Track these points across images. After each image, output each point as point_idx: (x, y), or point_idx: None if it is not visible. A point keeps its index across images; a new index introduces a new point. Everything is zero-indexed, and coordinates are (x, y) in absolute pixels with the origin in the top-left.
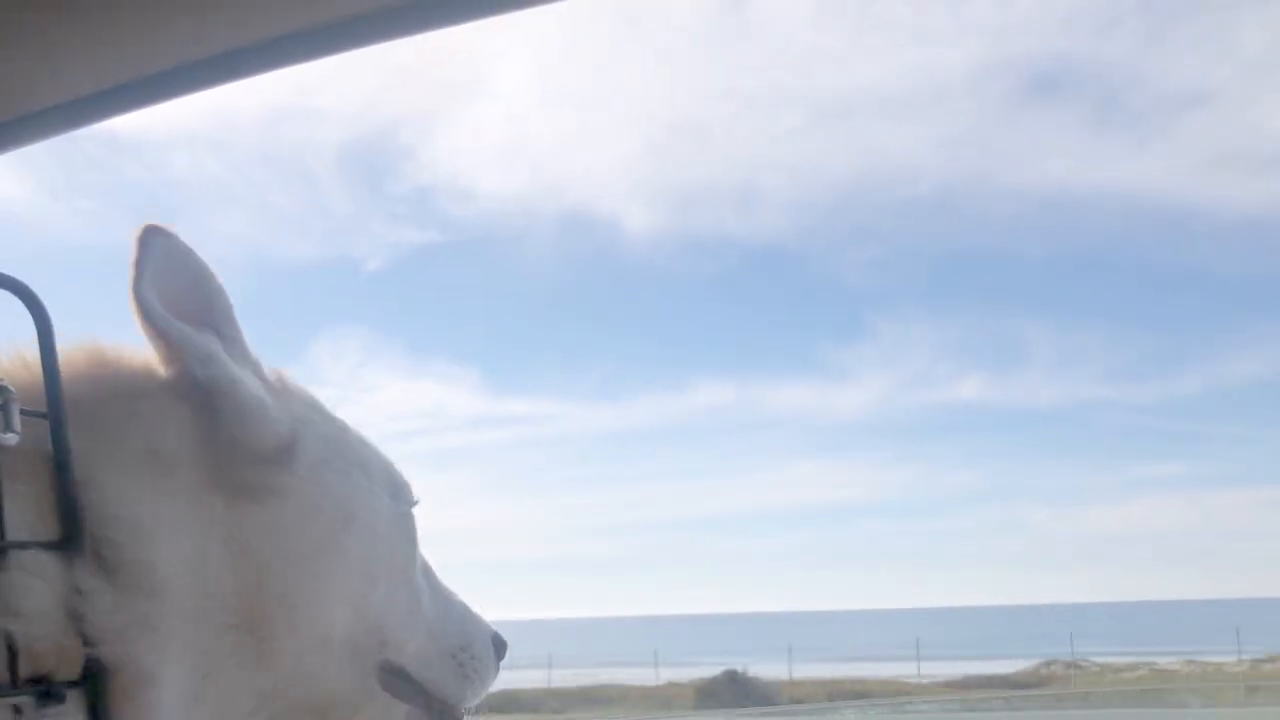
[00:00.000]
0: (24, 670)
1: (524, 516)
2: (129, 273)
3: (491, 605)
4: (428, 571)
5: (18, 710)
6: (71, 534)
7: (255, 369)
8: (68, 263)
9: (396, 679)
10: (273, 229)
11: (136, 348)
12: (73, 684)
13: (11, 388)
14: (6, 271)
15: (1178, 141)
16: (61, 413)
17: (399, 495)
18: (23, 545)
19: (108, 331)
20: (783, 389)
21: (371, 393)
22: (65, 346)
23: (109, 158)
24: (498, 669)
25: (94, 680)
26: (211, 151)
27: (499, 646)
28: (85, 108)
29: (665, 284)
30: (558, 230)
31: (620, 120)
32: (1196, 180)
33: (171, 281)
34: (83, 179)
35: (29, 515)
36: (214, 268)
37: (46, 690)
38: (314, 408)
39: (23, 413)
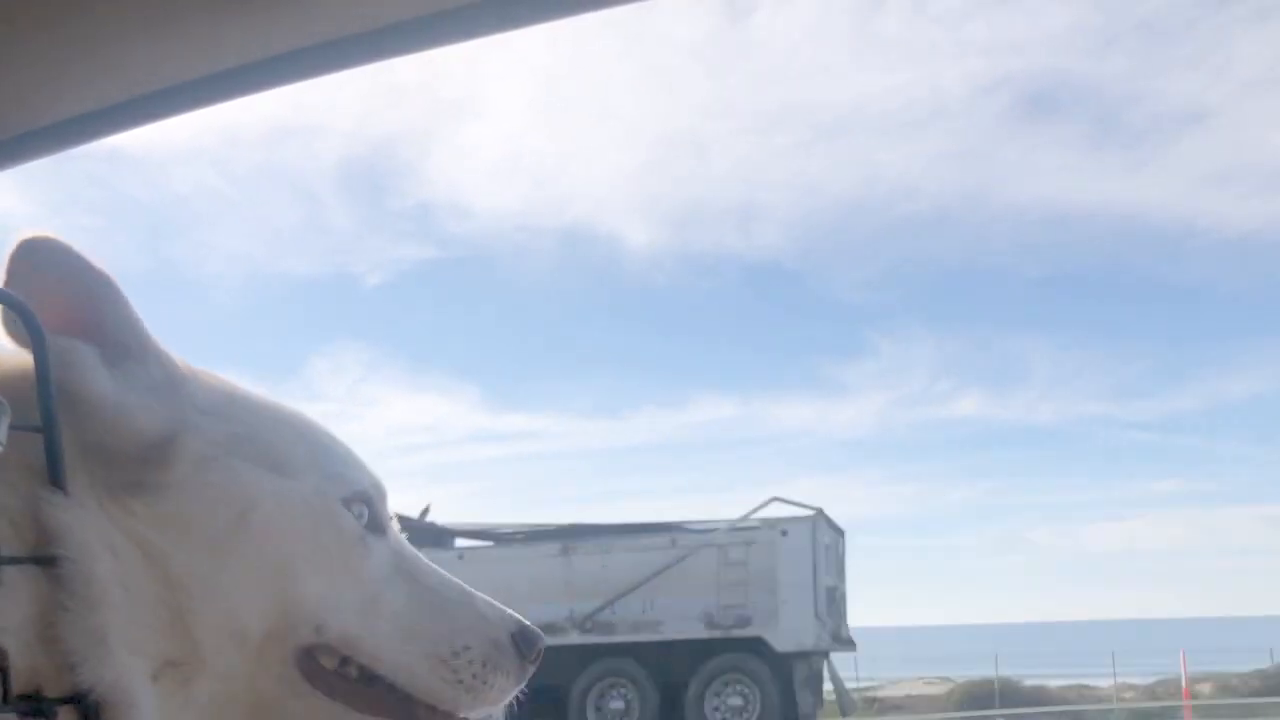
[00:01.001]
0: (16, 687)
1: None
2: None
3: None
4: (407, 568)
5: None
6: (58, 552)
7: (152, 363)
8: None
9: (361, 684)
10: (273, 245)
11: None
12: (64, 700)
13: (3, 400)
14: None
15: (1175, 159)
16: (56, 427)
17: (339, 487)
18: (18, 561)
19: None
20: (782, 405)
21: (371, 408)
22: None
23: (110, 174)
24: (522, 669)
25: (86, 696)
26: (213, 168)
27: (524, 643)
28: (87, 124)
29: (664, 300)
30: (557, 246)
31: (619, 137)
32: (1193, 198)
33: (52, 288)
34: (84, 195)
35: (5, 530)
36: (106, 272)
37: (38, 707)
38: (217, 406)
39: (17, 427)
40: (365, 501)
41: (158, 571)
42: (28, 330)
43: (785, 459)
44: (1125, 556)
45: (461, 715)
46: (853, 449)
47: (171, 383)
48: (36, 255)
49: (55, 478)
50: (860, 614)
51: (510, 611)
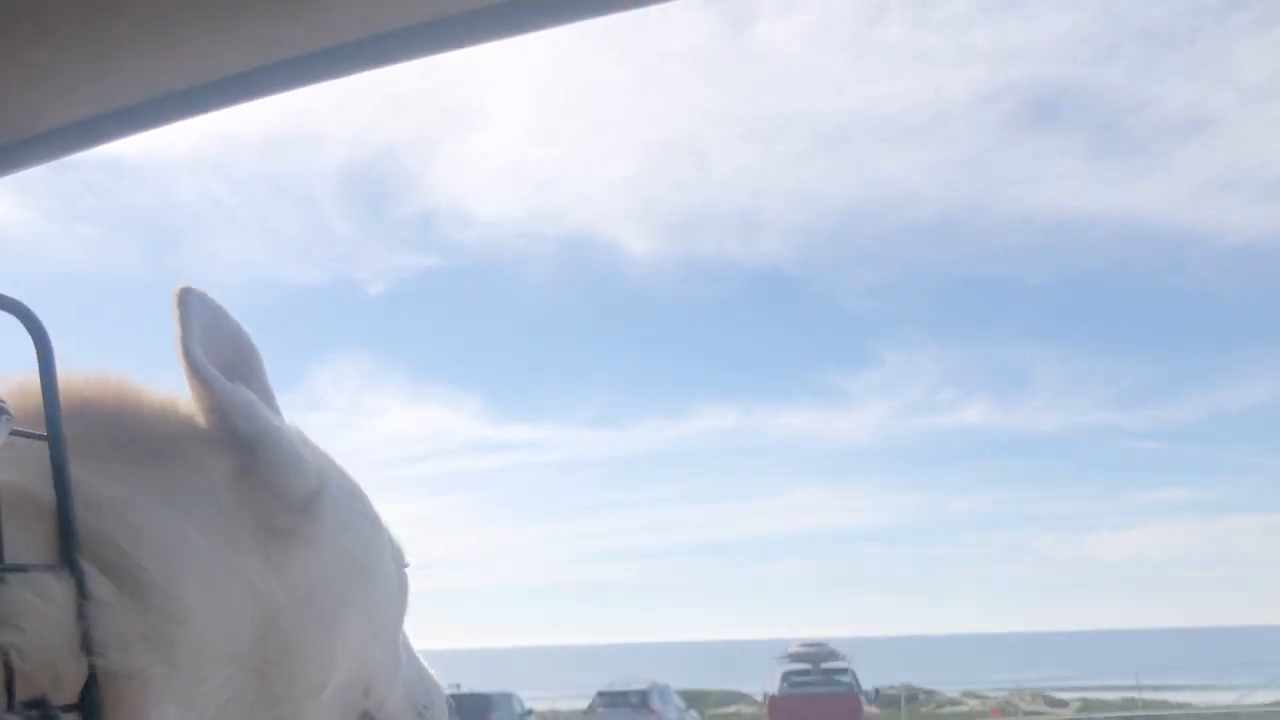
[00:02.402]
0: (20, 692)
1: (524, 542)
2: (175, 330)
3: (487, 630)
4: (404, 632)
5: None
6: (70, 556)
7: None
8: (67, 288)
9: None
10: (275, 253)
11: (152, 387)
12: (70, 707)
13: (10, 409)
14: (6, 293)
15: (1178, 167)
16: (60, 435)
17: (397, 556)
18: (20, 568)
19: (110, 354)
20: (785, 415)
21: (373, 417)
22: (86, 374)
23: (111, 182)
24: None
25: (92, 702)
26: (214, 176)
27: (451, 709)
28: (86, 130)
29: (666, 309)
30: (559, 255)
31: (621, 146)
32: (1197, 205)
33: (211, 339)
34: (85, 203)
35: (28, 536)
36: (244, 327)
37: (43, 713)
38: (331, 463)
39: (22, 434)
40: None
41: (267, 613)
42: (33, 337)
43: (788, 469)
44: (1131, 565)
45: None
46: (855, 459)
47: (304, 440)
48: (201, 304)
49: (60, 485)
50: (864, 623)
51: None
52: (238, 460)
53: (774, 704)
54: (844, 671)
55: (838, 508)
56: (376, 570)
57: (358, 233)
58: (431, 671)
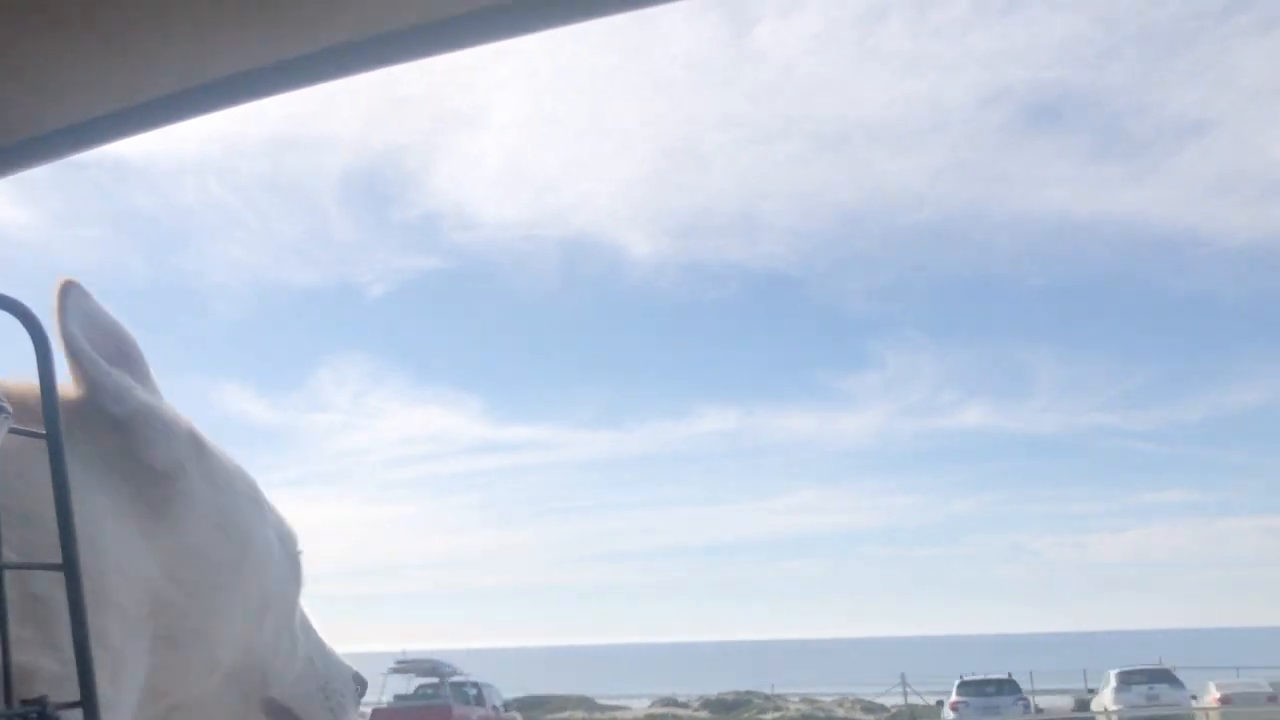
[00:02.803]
0: (20, 692)
1: (525, 543)
2: (54, 316)
3: (485, 631)
4: (304, 615)
5: None
6: (70, 555)
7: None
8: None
9: (279, 714)
10: (277, 255)
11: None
12: (68, 705)
13: (8, 407)
14: (6, 293)
15: (1178, 169)
16: (59, 434)
17: (285, 539)
18: (28, 566)
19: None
20: (786, 416)
21: (375, 419)
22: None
23: (116, 185)
24: (358, 705)
25: (91, 699)
26: (217, 179)
27: (360, 685)
28: (86, 132)
29: (667, 311)
30: (560, 257)
31: (622, 149)
32: (1197, 208)
33: (91, 329)
34: (89, 206)
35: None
36: (122, 323)
37: (41, 712)
38: (215, 445)
39: (21, 433)
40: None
41: (164, 588)
42: (31, 335)
43: (788, 470)
44: (1129, 567)
45: None
46: (856, 460)
47: (179, 419)
48: (80, 297)
49: (59, 483)
50: (865, 624)
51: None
52: (115, 440)
53: (375, 715)
54: (440, 685)
55: (838, 509)
56: (253, 545)
57: (360, 235)
58: (332, 649)
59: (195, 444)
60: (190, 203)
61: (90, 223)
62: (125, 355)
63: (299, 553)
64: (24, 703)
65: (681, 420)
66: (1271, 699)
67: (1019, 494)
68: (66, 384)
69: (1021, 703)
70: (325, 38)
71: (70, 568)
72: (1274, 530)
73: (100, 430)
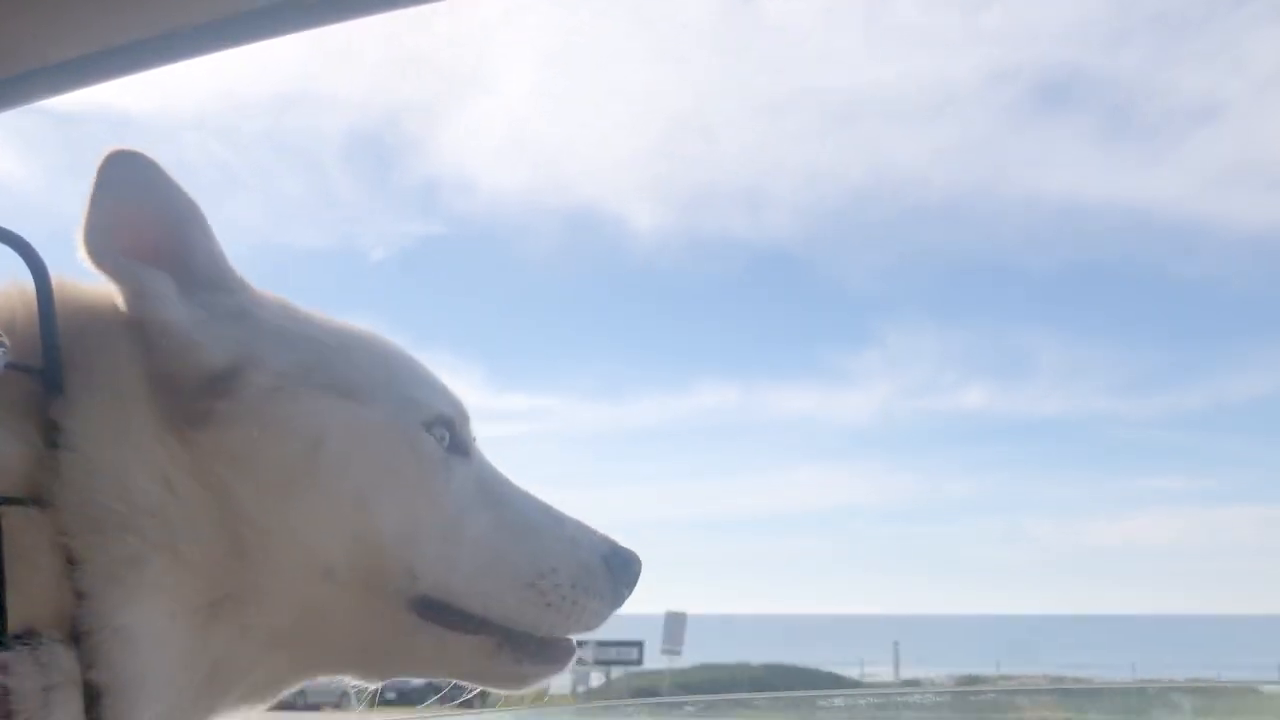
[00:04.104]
0: (15, 627)
1: None
2: (84, 207)
3: None
4: (491, 492)
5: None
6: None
7: (234, 292)
8: (70, 243)
9: (447, 612)
10: (278, 216)
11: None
12: (62, 640)
13: (6, 341)
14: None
15: (1188, 155)
16: (58, 367)
17: (418, 411)
18: (13, 501)
19: None
20: (786, 393)
21: None
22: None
23: (115, 140)
24: (616, 591)
25: (87, 635)
26: (219, 137)
27: (618, 565)
28: (85, 68)
29: (670, 283)
30: (563, 226)
31: (627, 118)
32: (1206, 194)
33: (138, 212)
34: (89, 161)
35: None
36: (192, 199)
37: (33, 645)
38: (286, 333)
39: (17, 367)
40: (446, 424)
41: (219, 505)
42: (29, 267)
43: (787, 446)
44: (1125, 552)
45: (556, 636)
46: (855, 438)
47: (242, 311)
48: (123, 172)
49: (56, 416)
50: (858, 601)
51: (604, 534)
52: (157, 344)
53: None
54: None
55: (835, 486)
56: (340, 437)
57: (361, 198)
58: (577, 528)
59: (255, 347)
60: (191, 159)
61: (90, 177)
62: (180, 234)
63: (438, 418)
64: (16, 636)
65: (681, 394)
66: None
67: (1017, 476)
68: (106, 286)
69: None
70: None
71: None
72: (1272, 520)
73: (138, 341)
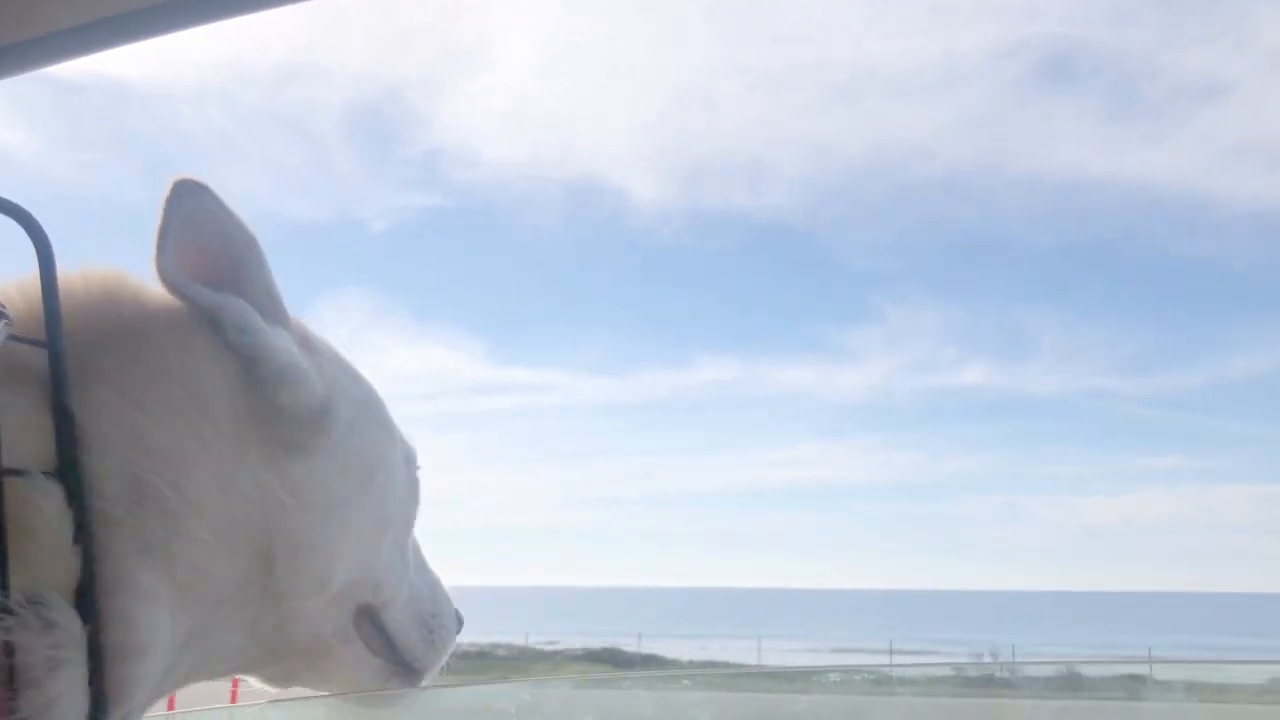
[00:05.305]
0: (20, 589)
1: (522, 484)
2: (154, 238)
3: (478, 569)
4: (414, 539)
5: (9, 646)
6: (68, 461)
7: (289, 328)
8: (71, 210)
9: (376, 634)
10: (278, 187)
11: (153, 285)
12: (69, 609)
13: (9, 313)
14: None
15: (1192, 133)
16: (60, 342)
17: (408, 460)
18: (17, 473)
19: None
20: (786, 368)
21: (376, 355)
22: (75, 272)
23: (117, 110)
24: (454, 643)
25: (89, 602)
26: (219, 107)
27: (459, 621)
28: (85, 37)
29: (671, 258)
30: (564, 199)
31: (630, 91)
32: (1210, 172)
33: (202, 242)
34: (91, 130)
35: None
36: (245, 220)
37: (42, 614)
38: (343, 366)
39: (20, 340)
40: (414, 462)
41: (264, 517)
42: (33, 242)
43: (786, 422)
44: (1123, 530)
45: (421, 672)
46: (855, 414)
47: (305, 342)
48: (190, 201)
49: (59, 393)
50: (856, 577)
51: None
52: (237, 370)
53: None
54: None
55: (835, 462)
56: (385, 472)
57: (362, 170)
58: (440, 581)
59: (335, 380)
60: (191, 129)
61: (89, 146)
62: (243, 265)
63: (419, 469)
64: (24, 600)
65: (682, 368)
66: None
67: (1016, 454)
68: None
69: None
70: None
71: (69, 477)
72: (1270, 498)
73: (217, 355)
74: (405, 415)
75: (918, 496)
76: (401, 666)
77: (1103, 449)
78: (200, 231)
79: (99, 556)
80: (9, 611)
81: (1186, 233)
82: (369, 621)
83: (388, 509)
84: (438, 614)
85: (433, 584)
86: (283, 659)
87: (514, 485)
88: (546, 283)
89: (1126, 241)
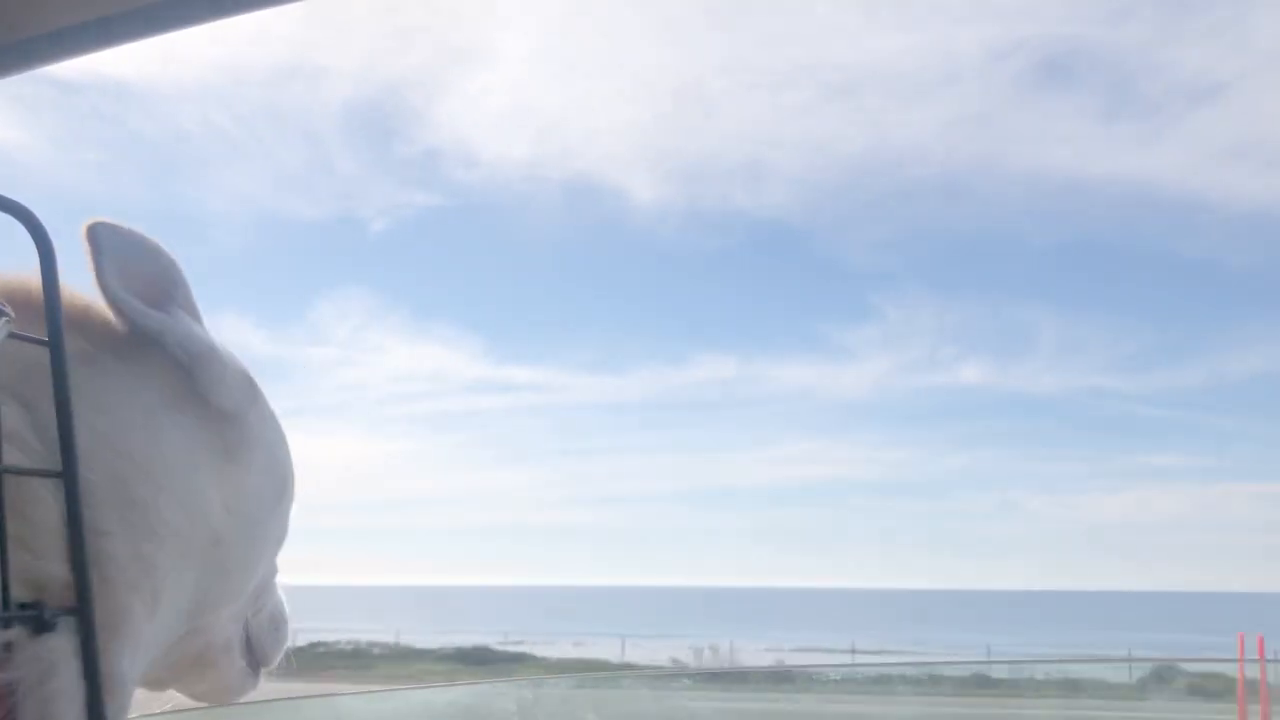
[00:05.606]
0: (17, 596)
1: (519, 483)
2: (89, 266)
3: (475, 568)
4: None
5: (8, 645)
6: (70, 463)
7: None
8: (70, 212)
9: (245, 638)
10: (278, 186)
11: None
12: (67, 611)
13: (10, 311)
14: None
15: (1189, 133)
16: (61, 340)
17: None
18: (20, 472)
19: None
20: (783, 366)
21: (374, 354)
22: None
23: (118, 110)
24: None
25: (88, 608)
26: (219, 107)
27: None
28: (85, 35)
29: (669, 256)
30: (563, 198)
31: (628, 89)
32: (1206, 172)
33: (127, 267)
34: (91, 130)
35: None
36: (162, 244)
37: (39, 615)
38: (250, 378)
39: (21, 338)
40: None
41: (220, 525)
42: (34, 240)
43: (784, 420)
44: (1122, 528)
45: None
46: (852, 412)
47: (234, 358)
48: (112, 235)
49: (60, 392)
50: (851, 575)
51: None
52: (182, 380)
53: None
54: None
55: (833, 460)
56: (290, 480)
57: (361, 169)
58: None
59: (251, 384)
60: (191, 129)
61: (90, 146)
62: (170, 284)
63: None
64: (21, 606)
65: (679, 367)
66: None
67: (1014, 453)
68: (113, 318)
69: None
70: None
71: (69, 477)
72: (1270, 497)
73: (165, 369)
74: (405, 415)
75: (916, 494)
76: (256, 665)
77: (1101, 447)
78: (128, 258)
79: (106, 554)
80: (6, 611)
81: (1184, 231)
82: (243, 627)
83: (284, 525)
84: (281, 612)
85: (275, 586)
86: (172, 666)
87: (511, 484)
88: (544, 281)
89: (1126, 240)
